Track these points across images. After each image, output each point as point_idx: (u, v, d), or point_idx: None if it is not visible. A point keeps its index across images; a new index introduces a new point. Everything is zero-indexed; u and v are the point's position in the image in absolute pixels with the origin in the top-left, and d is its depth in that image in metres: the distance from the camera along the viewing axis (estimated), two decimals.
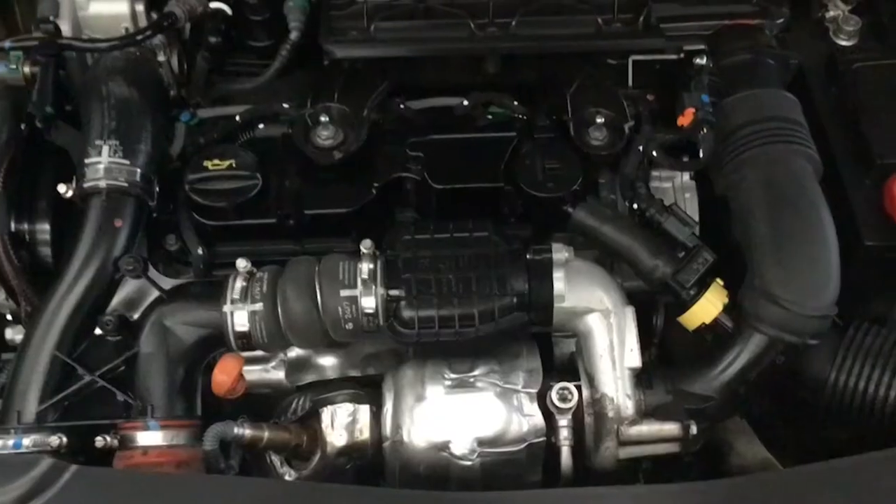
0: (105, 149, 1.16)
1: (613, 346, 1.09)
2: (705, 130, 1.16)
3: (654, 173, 1.24)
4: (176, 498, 0.97)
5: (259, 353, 1.21)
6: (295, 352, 1.25)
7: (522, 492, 1.06)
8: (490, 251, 1.10)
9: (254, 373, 1.24)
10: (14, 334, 1.28)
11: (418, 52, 1.26)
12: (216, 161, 1.17)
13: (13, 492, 0.94)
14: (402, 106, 1.26)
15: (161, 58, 1.30)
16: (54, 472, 0.96)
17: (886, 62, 1.26)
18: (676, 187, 1.23)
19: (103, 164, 1.15)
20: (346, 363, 1.23)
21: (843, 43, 1.31)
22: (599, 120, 1.18)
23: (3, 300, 1.28)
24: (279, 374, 1.25)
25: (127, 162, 1.16)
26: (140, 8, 1.31)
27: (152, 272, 1.17)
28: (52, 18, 1.27)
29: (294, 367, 1.23)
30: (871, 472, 0.94)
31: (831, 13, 1.32)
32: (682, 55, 1.27)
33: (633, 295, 1.16)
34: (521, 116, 1.23)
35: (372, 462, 1.11)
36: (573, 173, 1.16)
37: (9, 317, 1.25)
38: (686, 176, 1.23)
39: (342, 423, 1.14)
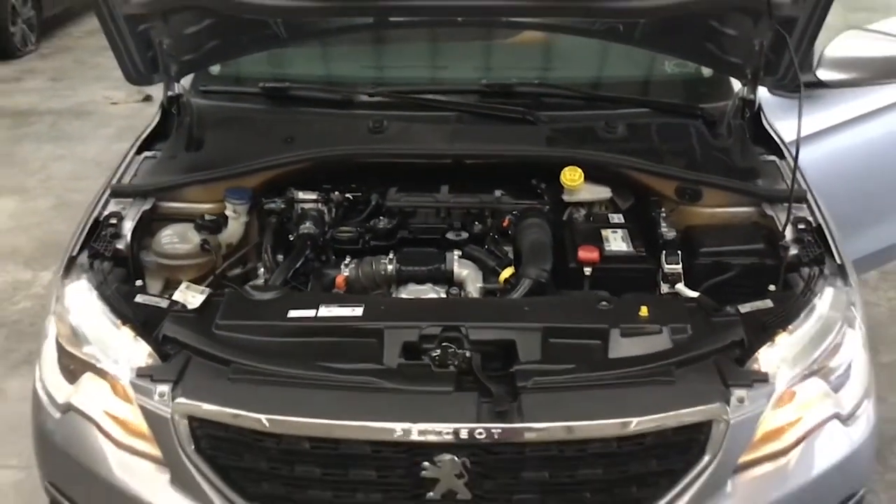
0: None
1: (472, 279, 3.07)
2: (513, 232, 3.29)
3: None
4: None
5: None
6: None
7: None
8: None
9: None
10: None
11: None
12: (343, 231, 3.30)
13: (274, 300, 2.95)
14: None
15: (326, 214, 3.44)
16: (284, 291, 2.92)
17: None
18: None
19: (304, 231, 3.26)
20: None
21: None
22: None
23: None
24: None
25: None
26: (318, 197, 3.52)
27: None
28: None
29: None
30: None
31: (576, 217, 3.48)
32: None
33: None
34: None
35: None
36: None
37: (260, 281, 3.27)
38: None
39: None
